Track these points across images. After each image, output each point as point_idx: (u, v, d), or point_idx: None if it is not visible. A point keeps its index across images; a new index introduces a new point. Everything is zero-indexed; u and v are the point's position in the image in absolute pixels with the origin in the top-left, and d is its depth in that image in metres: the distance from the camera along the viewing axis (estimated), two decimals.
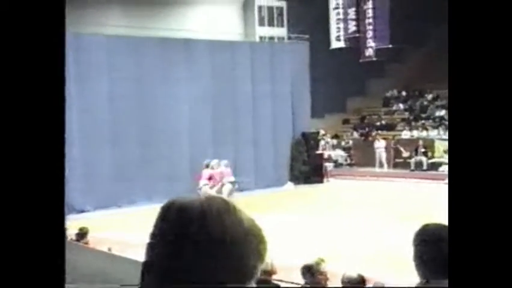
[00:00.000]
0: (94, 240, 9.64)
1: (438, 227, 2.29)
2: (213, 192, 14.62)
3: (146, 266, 1.16)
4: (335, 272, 6.15)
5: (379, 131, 24.72)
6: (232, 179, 15.77)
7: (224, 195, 15.18)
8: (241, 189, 18.33)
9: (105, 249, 8.55)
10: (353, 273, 5.69)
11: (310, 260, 6.04)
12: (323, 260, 6.05)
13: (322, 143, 22.42)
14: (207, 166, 15.22)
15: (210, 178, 15.16)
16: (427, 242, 2.24)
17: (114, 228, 12.41)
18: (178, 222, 1.15)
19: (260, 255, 1.18)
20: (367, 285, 5.78)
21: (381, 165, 22.60)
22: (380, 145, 22.73)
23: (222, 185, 15.35)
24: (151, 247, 1.17)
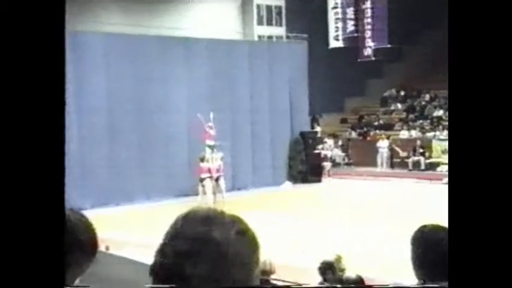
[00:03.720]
0: None
1: (436, 228, 2.29)
2: (212, 184, 15.48)
3: (160, 269, 1.19)
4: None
5: (377, 131, 24.73)
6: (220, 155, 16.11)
7: (221, 188, 15.52)
8: (238, 188, 18.37)
9: (102, 248, 8.54)
10: (352, 274, 5.71)
11: (328, 258, 6.01)
12: (341, 257, 6.04)
13: (320, 144, 22.44)
14: (202, 160, 15.61)
15: (208, 171, 15.59)
16: (425, 243, 2.25)
17: (112, 227, 12.39)
18: (199, 234, 1.20)
19: (256, 273, 1.24)
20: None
21: (383, 164, 22.59)
22: (383, 145, 22.72)
23: (218, 178, 15.72)
24: (164, 253, 1.20)
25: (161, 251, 1.19)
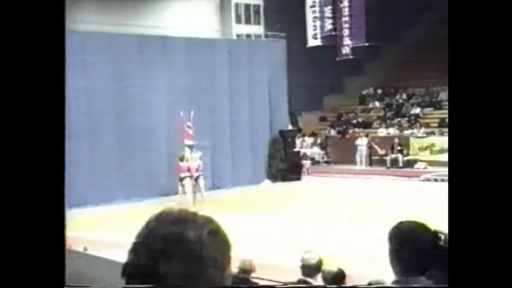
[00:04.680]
0: (69, 239, 9.51)
1: (412, 224, 2.32)
2: (192, 184, 15.45)
3: (131, 268, 1.19)
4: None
5: (356, 129, 24.88)
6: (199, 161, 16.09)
7: (201, 187, 15.43)
8: (218, 187, 18.34)
9: (81, 248, 8.45)
10: (333, 268, 5.74)
11: (310, 259, 5.86)
12: (320, 255, 5.96)
13: (299, 140, 22.47)
14: (181, 159, 15.58)
15: (188, 170, 15.56)
16: (401, 240, 2.27)
17: (91, 227, 12.29)
18: (171, 235, 1.20)
19: (229, 272, 1.26)
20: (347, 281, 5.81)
21: (362, 162, 22.70)
22: (362, 142, 22.84)
23: (197, 178, 15.69)
24: (136, 251, 1.20)
25: (134, 251, 1.20)
